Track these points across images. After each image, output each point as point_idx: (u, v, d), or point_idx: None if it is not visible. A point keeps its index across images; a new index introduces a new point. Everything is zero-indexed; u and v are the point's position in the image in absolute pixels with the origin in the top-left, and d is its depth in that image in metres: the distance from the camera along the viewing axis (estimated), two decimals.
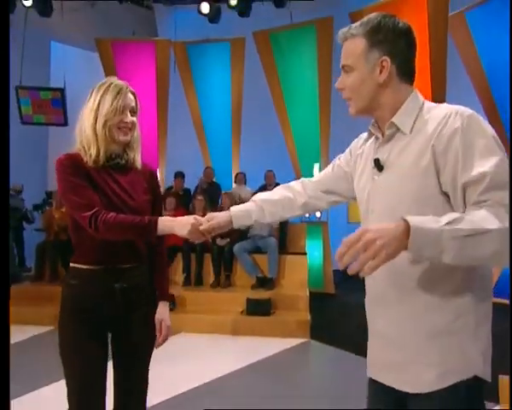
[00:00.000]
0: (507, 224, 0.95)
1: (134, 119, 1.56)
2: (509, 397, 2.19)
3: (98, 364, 1.52)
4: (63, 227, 5.49)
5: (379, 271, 0.99)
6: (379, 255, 0.93)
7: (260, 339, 4.44)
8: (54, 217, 5.81)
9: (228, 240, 5.49)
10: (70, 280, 1.55)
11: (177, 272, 5.68)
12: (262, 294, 5.03)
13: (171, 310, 5.29)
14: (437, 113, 1.10)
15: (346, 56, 1.18)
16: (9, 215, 6.20)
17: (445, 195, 1.07)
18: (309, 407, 2.97)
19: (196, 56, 7.24)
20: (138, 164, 1.62)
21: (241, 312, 4.82)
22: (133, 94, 1.56)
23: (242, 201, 4.88)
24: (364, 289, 1.27)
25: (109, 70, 6.78)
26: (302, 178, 1.52)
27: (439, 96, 5.05)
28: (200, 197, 5.85)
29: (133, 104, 1.55)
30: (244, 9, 6.78)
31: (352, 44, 1.16)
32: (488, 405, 1.10)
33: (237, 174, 7.06)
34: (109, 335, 1.59)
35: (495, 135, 1.05)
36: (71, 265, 1.56)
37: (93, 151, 1.49)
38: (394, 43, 1.13)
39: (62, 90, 6.92)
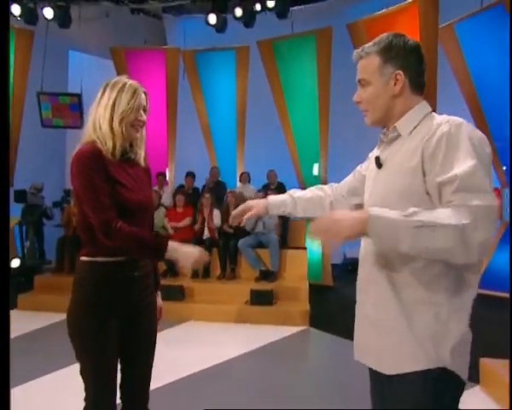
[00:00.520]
0: (465, 222, 0.96)
1: (145, 117, 1.59)
2: (509, 397, 2.20)
3: (114, 351, 1.53)
4: None
5: (364, 264, 1.15)
6: (340, 233, 1.04)
7: (263, 327, 4.55)
8: (73, 214, 5.81)
9: (232, 230, 5.65)
10: (92, 275, 1.51)
11: None
12: (265, 285, 5.14)
13: (180, 300, 5.53)
14: (434, 121, 1.14)
15: (362, 71, 1.23)
16: (31, 212, 6.44)
17: (429, 195, 1.10)
18: (307, 391, 3.13)
19: (204, 64, 7.34)
20: (142, 161, 1.64)
21: (246, 302, 4.92)
22: (145, 94, 1.59)
23: (246, 199, 5.09)
24: None
25: None
26: (332, 183, 1.60)
27: (429, 103, 5.34)
28: (207, 195, 5.98)
29: (145, 103, 1.58)
30: (249, 20, 6.86)
31: (367, 61, 1.21)
32: (468, 384, 1.19)
33: (242, 174, 7.15)
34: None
35: (482, 142, 1.07)
36: (87, 259, 1.52)
37: (110, 145, 1.49)
38: (406, 58, 1.19)
39: (79, 96, 7.01)
